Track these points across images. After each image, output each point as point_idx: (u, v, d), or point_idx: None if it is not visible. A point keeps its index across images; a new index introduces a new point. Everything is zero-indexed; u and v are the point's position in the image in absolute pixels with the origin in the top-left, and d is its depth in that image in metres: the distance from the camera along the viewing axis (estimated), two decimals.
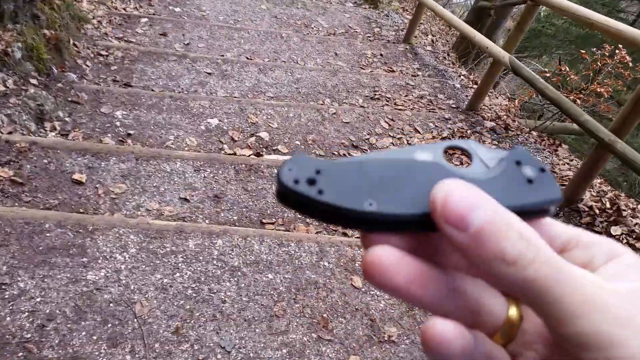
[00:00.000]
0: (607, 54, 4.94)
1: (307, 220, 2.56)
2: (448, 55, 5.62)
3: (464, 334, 0.23)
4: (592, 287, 0.21)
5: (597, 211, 3.11)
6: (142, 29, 4.37)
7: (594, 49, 5.12)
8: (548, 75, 5.42)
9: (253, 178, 2.77)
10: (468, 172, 0.25)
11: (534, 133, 4.38)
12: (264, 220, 2.53)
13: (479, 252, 0.21)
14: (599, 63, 4.99)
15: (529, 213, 0.24)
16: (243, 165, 2.82)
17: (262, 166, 2.84)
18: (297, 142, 3.37)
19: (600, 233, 2.83)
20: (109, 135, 2.94)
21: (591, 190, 3.32)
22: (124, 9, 4.69)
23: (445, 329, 0.22)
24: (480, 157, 0.26)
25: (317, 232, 2.53)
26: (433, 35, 6.23)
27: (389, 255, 0.23)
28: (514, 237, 0.21)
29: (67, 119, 2.96)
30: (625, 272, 0.23)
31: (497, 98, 5.30)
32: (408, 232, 0.24)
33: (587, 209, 3.14)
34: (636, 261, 0.24)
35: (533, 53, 10.62)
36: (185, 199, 2.51)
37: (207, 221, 2.43)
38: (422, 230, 0.24)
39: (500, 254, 0.21)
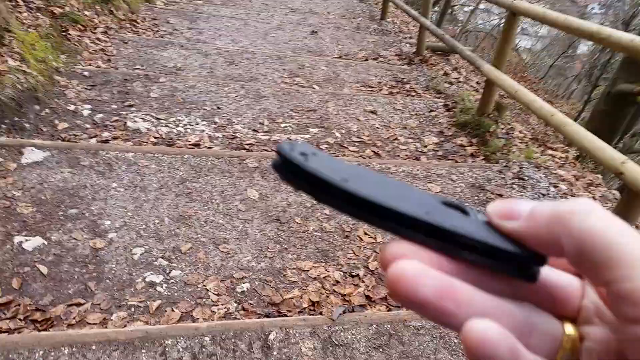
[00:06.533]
0: None
1: None
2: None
3: (507, 334, 0.21)
4: None
5: None
6: None
7: None
8: None
9: None
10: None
11: None
12: None
13: (536, 223, 0.22)
14: None
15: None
16: None
17: None
18: None
19: None
20: None
21: None
22: None
23: (488, 328, 0.21)
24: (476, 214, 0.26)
25: None
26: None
27: (413, 267, 0.21)
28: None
29: None
30: None
31: None
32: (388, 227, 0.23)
33: None
34: None
35: None
36: None
37: None
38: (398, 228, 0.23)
39: (557, 212, 0.21)
